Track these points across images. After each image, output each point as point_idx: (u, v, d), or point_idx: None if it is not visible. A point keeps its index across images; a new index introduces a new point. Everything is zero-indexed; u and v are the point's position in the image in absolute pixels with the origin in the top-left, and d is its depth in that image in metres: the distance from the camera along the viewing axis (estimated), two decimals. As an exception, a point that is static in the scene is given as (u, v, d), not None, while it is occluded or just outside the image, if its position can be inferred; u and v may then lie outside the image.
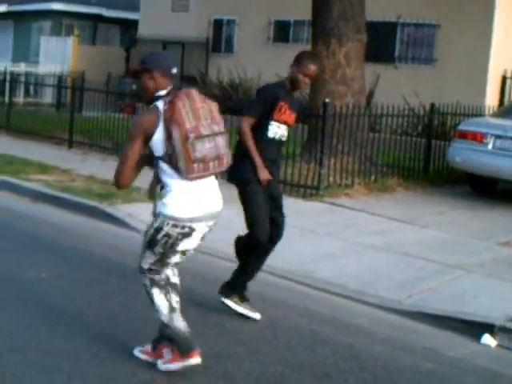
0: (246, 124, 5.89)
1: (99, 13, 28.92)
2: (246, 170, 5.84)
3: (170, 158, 4.45)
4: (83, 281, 6.81)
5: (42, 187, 10.92)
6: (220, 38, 23.80)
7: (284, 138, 6.03)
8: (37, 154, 13.97)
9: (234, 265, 6.26)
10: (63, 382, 4.51)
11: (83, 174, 12.20)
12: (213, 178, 4.72)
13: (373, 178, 12.36)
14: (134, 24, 26.82)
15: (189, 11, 24.32)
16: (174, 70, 4.65)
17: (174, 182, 4.53)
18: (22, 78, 21.83)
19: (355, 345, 5.62)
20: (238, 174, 5.88)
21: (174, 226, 4.55)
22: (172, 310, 4.68)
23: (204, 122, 4.48)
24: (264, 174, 5.82)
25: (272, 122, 5.88)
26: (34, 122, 16.82)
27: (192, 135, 4.37)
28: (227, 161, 4.64)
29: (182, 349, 4.65)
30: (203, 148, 4.43)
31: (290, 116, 5.99)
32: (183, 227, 4.57)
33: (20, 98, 22.28)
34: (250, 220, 5.88)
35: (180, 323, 4.67)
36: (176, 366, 4.68)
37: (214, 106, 4.64)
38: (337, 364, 5.20)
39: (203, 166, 4.47)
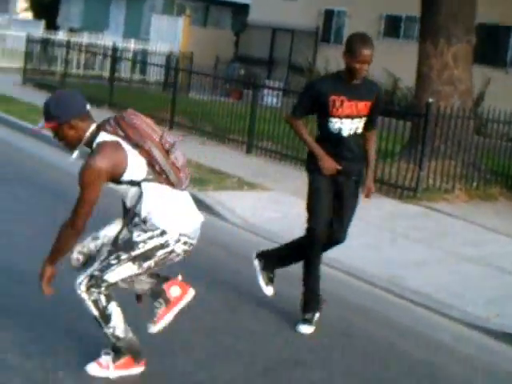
0: (294, 122, 5.67)
1: (211, -6, 29.03)
2: (310, 160, 5.60)
3: (159, 176, 4.14)
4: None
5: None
6: (330, 28, 23.52)
7: (359, 131, 5.58)
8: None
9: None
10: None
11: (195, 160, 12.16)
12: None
13: (475, 184, 11.89)
14: (245, 8, 26.75)
15: (299, 0, 24.11)
16: (88, 106, 4.19)
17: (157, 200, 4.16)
18: (131, 55, 22.09)
19: (433, 362, 5.32)
20: (307, 163, 5.69)
21: (184, 242, 4.23)
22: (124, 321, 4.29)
23: (159, 130, 4.21)
24: (324, 162, 5.45)
25: (330, 118, 5.48)
26: (137, 100, 16.91)
27: (167, 145, 4.11)
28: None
29: (136, 356, 4.37)
30: (179, 155, 4.17)
31: (354, 108, 5.50)
32: (190, 244, 4.29)
33: (126, 75, 22.53)
34: (308, 211, 5.58)
35: (130, 333, 4.33)
36: (131, 370, 4.36)
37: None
38: (410, 382, 4.92)
39: (185, 173, 4.22)
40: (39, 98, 17.27)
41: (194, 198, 9.14)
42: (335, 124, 5.48)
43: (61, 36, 25.20)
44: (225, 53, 23.81)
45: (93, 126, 4.12)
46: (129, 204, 4.19)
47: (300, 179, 11.35)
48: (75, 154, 4.14)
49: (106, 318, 4.17)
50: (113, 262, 4.13)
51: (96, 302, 4.14)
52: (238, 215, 8.93)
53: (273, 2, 24.53)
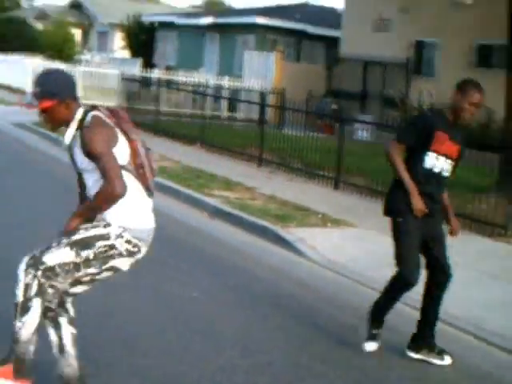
0: (394, 149, 5.57)
1: (303, 29, 29.13)
2: (398, 200, 5.51)
3: (137, 170, 4.15)
4: (231, 304, 6.73)
5: (221, 204, 11.00)
6: (421, 59, 23.25)
7: (446, 173, 5.58)
8: (225, 170, 14.18)
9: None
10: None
11: (265, 192, 12.20)
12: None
13: None
14: (337, 42, 26.78)
15: (390, 31, 23.98)
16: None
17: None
18: (226, 93, 22.36)
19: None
20: (391, 205, 5.61)
21: (128, 241, 4.13)
22: (36, 331, 4.13)
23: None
24: (417, 203, 5.39)
25: (428, 153, 5.47)
26: (228, 137, 17.08)
27: (146, 145, 4.24)
28: None
29: (20, 371, 4.14)
30: (153, 160, 4.28)
31: (451, 148, 5.52)
32: (135, 245, 4.19)
33: (223, 112, 22.81)
34: (399, 255, 5.49)
35: (32, 347, 4.16)
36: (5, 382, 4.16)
37: None
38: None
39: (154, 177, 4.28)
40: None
41: (275, 234, 9.38)
42: (431, 159, 5.49)
43: (155, 74, 25.77)
44: (317, 87, 23.83)
45: (82, 107, 4.16)
46: (91, 191, 4.15)
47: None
48: (69, 138, 4.12)
49: (25, 309, 4.07)
50: (53, 244, 4.10)
51: (26, 287, 4.05)
52: (319, 252, 8.84)
53: (364, 35, 24.47)
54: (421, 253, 5.56)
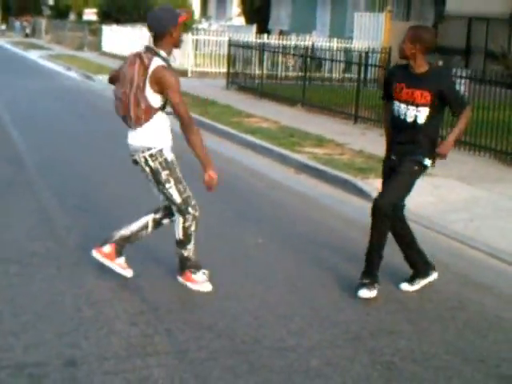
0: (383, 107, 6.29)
1: (414, -13, 28.79)
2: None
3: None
4: (292, 250, 7.17)
5: (308, 159, 11.46)
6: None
7: (418, 120, 5.82)
8: (320, 128, 14.60)
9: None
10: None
11: (355, 148, 12.57)
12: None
13: None
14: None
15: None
16: None
17: None
18: (334, 55, 22.50)
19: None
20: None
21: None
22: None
23: None
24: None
25: (393, 102, 5.99)
26: (327, 97, 17.44)
27: None
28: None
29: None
30: None
31: (413, 95, 5.81)
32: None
33: (328, 74, 23.04)
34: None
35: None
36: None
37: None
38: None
39: None
40: (236, 101, 18.50)
41: (354, 186, 9.79)
42: (395, 107, 6.07)
43: (266, 39, 26.25)
44: (424, 45, 23.64)
45: None
46: None
47: (470, 164, 11.46)
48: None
49: (189, 237, 5.79)
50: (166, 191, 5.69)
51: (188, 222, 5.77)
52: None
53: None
54: None
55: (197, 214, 5.71)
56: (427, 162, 5.91)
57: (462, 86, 16.50)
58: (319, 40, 25.97)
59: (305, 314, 5.49)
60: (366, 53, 18.41)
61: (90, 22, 47.61)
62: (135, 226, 5.81)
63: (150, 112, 5.44)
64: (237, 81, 21.59)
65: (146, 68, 5.39)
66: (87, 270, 6.13)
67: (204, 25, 39.40)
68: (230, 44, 22.13)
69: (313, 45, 21.85)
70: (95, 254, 5.80)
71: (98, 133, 13.55)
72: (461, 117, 5.87)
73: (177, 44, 5.55)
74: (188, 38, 26.32)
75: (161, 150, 5.55)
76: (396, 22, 26.31)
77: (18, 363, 4.50)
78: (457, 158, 12.07)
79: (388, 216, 5.84)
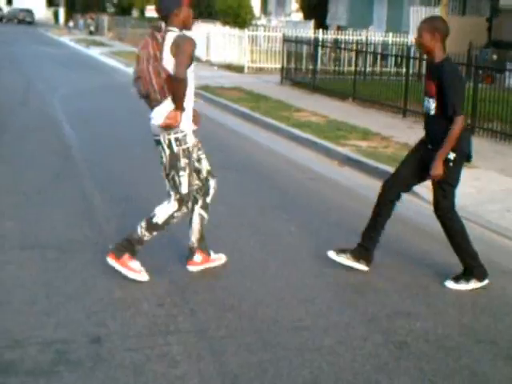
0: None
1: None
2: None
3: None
4: (327, 237, 7.34)
5: (351, 152, 11.60)
6: None
7: (431, 112, 5.96)
8: (368, 122, 14.70)
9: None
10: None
11: (400, 141, 12.64)
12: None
13: None
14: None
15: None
16: None
17: None
18: (390, 49, 22.53)
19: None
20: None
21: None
22: None
23: None
24: None
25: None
26: (377, 91, 17.49)
27: None
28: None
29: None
30: None
31: (428, 86, 5.99)
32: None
33: (380, 68, 23.04)
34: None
35: None
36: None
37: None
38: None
39: None
40: (288, 96, 18.69)
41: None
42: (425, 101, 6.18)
43: (322, 34, 26.36)
44: (480, 39, 23.50)
45: None
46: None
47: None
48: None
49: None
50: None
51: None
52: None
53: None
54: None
55: (187, 211, 5.88)
56: (450, 155, 5.92)
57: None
58: (375, 34, 26.00)
59: (326, 297, 5.68)
60: (409, 47, 18.43)
61: (151, 19, 48.31)
62: (196, 225, 6.07)
63: (171, 82, 5.49)
64: (290, 76, 21.78)
65: (160, 43, 5.63)
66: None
67: (263, 21, 39.65)
68: (284, 39, 22.33)
69: (366, 39, 21.90)
70: (192, 268, 6.10)
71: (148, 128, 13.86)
72: (451, 130, 5.76)
73: (187, 24, 5.63)
74: (244, 34, 26.60)
75: (185, 136, 5.67)
76: (451, 17, 26.17)
77: (47, 340, 4.79)
78: (500, 150, 12.11)
79: (453, 216, 6.18)
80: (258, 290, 5.78)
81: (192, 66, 5.54)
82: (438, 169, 5.85)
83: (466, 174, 10.27)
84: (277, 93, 19.54)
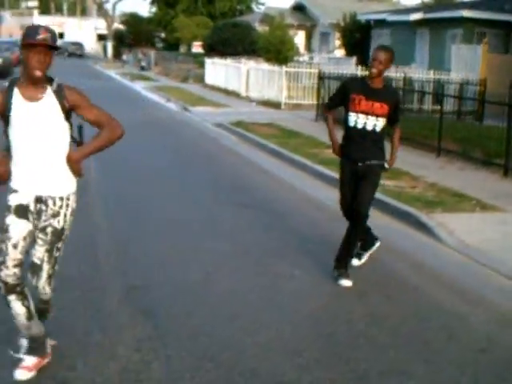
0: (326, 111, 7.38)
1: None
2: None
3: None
4: (332, 281, 6.97)
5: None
6: None
7: (371, 128, 6.75)
8: (399, 159, 13.89)
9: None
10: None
11: (429, 181, 12.22)
12: None
13: None
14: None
15: None
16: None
17: None
18: (428, 86, 22.20)
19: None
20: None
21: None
22: None
23: None
24: (333, 150, 7.20)
25: (350, 113, 6.77)
26: (416, 129, 17.03)
27: None
28: None
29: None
30: None
31: (369, 106, 6.66)
32: None
33: (424, 105, 22.65)
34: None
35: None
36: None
37: None
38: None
39: None
40: (321, 132, 18.34)
41: (417, 220, 9.47)
42: (352, 118, 6.96)
43: (364, 71, 26.07)
44: (522, 78, 23.02)
45: None
46: None
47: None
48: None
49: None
50: (57, 254, 4.70)
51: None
52: (455, 236, 8.84)
53: None
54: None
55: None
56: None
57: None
58: (416, 72, 25.68)
59: (316, 349, 5.30)
60: (461, 85, 17.97)
61: (196, 55, 48.63)
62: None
63: None
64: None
65: None
66: (113, 295, 6.13)
67: (306, 58, 39.53)
68: (320, 76, 22.08)
69: (405, 77, 21.55)
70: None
71: (179, 163, 13.71)
72: (395, 133, 7.32)
73: (27, 71, 4.40)
74: (282, 70, 26.44)
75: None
76: (493, 55, 25.76)
77: (9, 380, 4.52)
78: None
79: (367, 218, 7.06)
80: (245, 339, 5.41)
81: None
82: (394, 162, 7.46)
83: (491, 217, 9.97)
84: (310, 129, 19.23)
